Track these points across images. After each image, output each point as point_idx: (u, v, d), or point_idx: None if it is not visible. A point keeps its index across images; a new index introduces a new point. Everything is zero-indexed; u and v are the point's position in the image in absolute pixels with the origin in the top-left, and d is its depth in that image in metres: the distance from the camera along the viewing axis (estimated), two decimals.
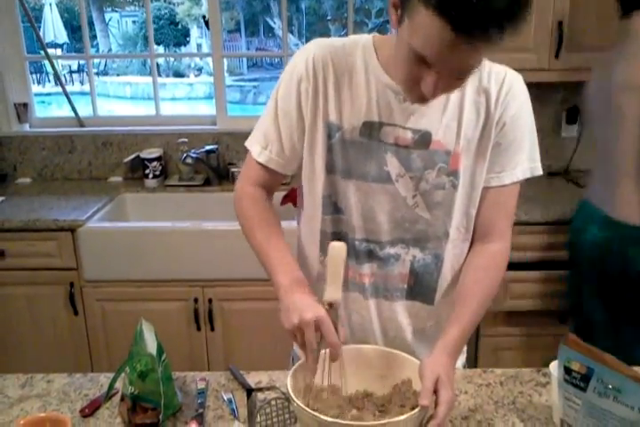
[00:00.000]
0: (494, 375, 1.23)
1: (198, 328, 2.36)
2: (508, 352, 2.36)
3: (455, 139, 1.11)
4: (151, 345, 1.07)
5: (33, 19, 2.75)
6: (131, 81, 13.03)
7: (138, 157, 2.71)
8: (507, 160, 1.13)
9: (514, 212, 1.20)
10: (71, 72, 13.39)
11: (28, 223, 2.26)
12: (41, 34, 13.36)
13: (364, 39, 1.14)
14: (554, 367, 1.05)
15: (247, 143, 1.22)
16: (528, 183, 1.21)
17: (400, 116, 1.11)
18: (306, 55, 1.13)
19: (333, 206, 1.18)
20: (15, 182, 2.80)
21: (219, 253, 2.25)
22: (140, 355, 1.04)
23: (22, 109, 2.78)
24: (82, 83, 13.31)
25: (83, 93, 6.20)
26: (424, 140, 1.11)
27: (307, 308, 0.99)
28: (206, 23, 2.63)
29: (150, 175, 2.68)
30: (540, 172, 1.17)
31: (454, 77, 0.96)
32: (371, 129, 1.11)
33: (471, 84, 1.11)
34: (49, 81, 12.87)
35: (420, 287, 1.20)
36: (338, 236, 1.19)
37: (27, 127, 2.85)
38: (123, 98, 12.27)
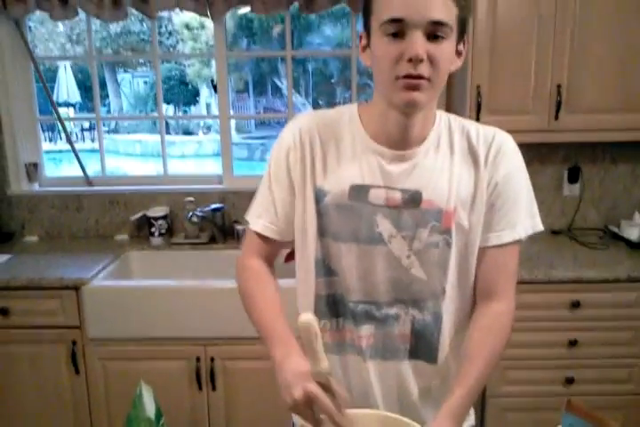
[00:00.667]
0: None
1: (200, 388, 2.32)
2: (515, 414, 2.31)
3: (447, 198, 1.13)
4: (150, 409, 1.06)
5: (45, 80, 2.83)
6: (141, 139, 13.32)
7: (144, 215, 2.74)
8: (505, 219, 1.15)
9: (516, 271, 1.20)
10: (83, 130, 13.71)
11: (32, 281, 2.27)
12: (55, 93, 13.80)
13: (349, 109, 1.20)
14: None
15: (246, 215, 1.26)
16: (531, 241, 1.22)
17: (388, 177, 1.14)
18: (293, 128, 1.20)
19: (327, 269, 1.19)
20: (23, 240, 2.83)
21: (223, 312, 2.24)
22: (139, 419, 1.03)
23: (32, 169, 2.84)
24: (93, 140, 13.60)
25: (94, 151, 6.32)
26: (414, 199, 1.13)
27: (296, 384, 0.99)
28: (214, 86, 2.71)
29: (156, 233, 2.71)
30: (540, 227, 1.18)
31: (430, 36, 1.00)
32: (359, 192, 1.14)
33: (460, 145, 1.15)
34: (61, 139, 13.16)
35: (422, 346, 1.19)
36: (332, 298, 1.20)
37: (36, 186, 2.90)
38: (132, 155, 12.50)
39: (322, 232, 1.18)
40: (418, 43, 0.99)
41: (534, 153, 2.70)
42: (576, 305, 2.20)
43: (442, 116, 1.18)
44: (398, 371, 1.20)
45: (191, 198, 2.73)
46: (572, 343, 2.23)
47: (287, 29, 2.78)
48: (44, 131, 12.97)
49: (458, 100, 2.49)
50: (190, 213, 2.67)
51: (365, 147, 1.15)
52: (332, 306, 1.21)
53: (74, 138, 13.44)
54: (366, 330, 1.19)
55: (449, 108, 2.61)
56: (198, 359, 2.29)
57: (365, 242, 1.15)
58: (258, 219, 1.23)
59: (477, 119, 2.27)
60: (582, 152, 2.71)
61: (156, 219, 2.70)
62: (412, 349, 1.19)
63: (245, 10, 2.62)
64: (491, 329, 1.15)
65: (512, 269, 1.19)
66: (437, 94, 1.09)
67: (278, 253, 1.29)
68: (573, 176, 2.73)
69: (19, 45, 2.76)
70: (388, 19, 1.00)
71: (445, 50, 1.03)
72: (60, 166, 8.91)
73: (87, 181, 2.90)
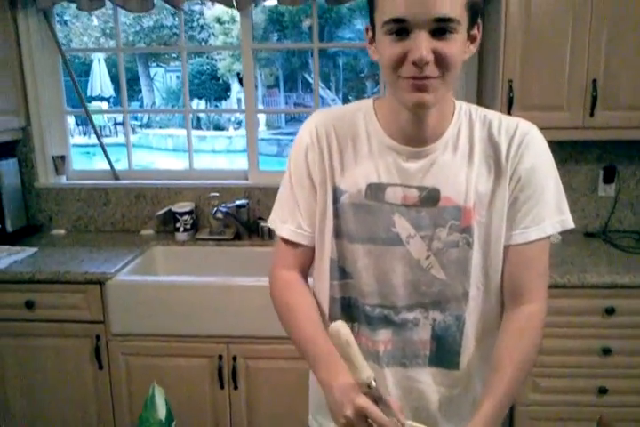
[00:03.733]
0: None
1: (222, 386, 2.30)
2: (545, 423, 2.24)
3: (465, 194, 1.08)
4: (161, 411, 1.04)
5: (74, 73, 2.83)
6: (172, 133, 13.42)
7: (169, 210, 2.73)
8: (531, 215, 1.09)
9: (546, 269, 1.14)
10: (116, 124, 13.87)
11: (57, 275, 2.27)
12: (88, 87, 13.93)
13: (365, 104, 1.16)
14: None
15: (269, 221, 1.22)
16: (564, 244, 1.16)
17: (404, 175, 1.10)
18: (309, 126, 1.16)
19: (341, 271, 1.15)
20: (50, 233, 2.85)
21: (246, 309, 2.21)
22: (150, 421, 1.00)
23: (60, 162, 2.84)
24: (126, 135, 13.71)
25: (125, 145, 6.37)
26: (432, 197, 1.09)
27: (345, 402, 0.97)
28: (240, 80, 2.68)
29: (181, 229, 2.69)
30: (571, 224, 1.12)
31: (436, 32, 0.95)
32: (376, 191, 1.10)
33: (480, 137, 1.10)
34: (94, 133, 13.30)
35: (442, 352, 1.14)
36: (347, 301, 1.16)
37: (64, 179, 2.90)
38: (164, 150, 12.60)
39: (337, 233, 1.14)
40: (422, 44, 0.94)
41: (568, 151, 2.62)
42: (610, 312, 2.11)
43: (462, 108, 1.13)
44: (417, 379, 1.15)
45: (215, 194, 2.70)
46: (606, 352, 2.14)
47: (314, 21, 2.73)
48: (78, 125, 13.18)
49: (489, 94, 2.42)
50: (215, 209, 2.65)
51: (381, 144, 1.11)
52: (347, 310, 1.17)
53: (107, 132, 13.63)
54: (383, 335, 1.14)
55: (480, 102, 2.54)
56: (220, 357, 2.27)
57: (382, 243, 1.11)
58: (283, 224, 1.19)
59: (509, 115, 2.19)
60: (618, 151, 2.62)
61: (181, 214, 2.68)
62: (432, 355, 1.14)
63: (272, 2, 2.58)
64: (522, 332, 1.10)
65: (542, 268, 1.13)
66: (451, 87, 1.04)
67: (312, 260, 1.22)
68: (609, 176, 2.64)
69: (48, 37, 2.76)
70: (390, 18, 0.95)
71: (454, 45, 0.97)
72: (93, 160, 9.01)
73: (114, 174, 2.89)
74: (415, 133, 1.09)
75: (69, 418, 2.40)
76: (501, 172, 1.08)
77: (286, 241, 1.19)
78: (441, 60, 0.96)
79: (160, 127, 14.86)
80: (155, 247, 2.69)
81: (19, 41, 2.71)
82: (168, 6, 2.53)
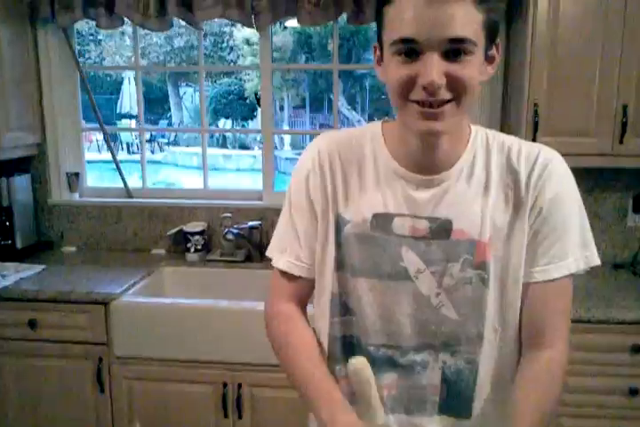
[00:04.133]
0: None
1: (225, 415, 2.21)
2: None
3: (480, 227, 0.99)
4: None
5: (91, 92, 2.81)
6: (198, 152, 13.54)
7: (181, 230, 2.67)
8: (553, 251, 0.99)
9: (568, 308, 1.04)
10: (146, 141, 14.03)
11: (61, 294, 2.21)
12: (118, 105, 14.13)
13: (373, 128, 1.07)
14: None
15: (267, 252, 1.14)
16: (589, 276, 1.06)
17: (413, 205, 1.01)
18: (312, 151, 1.08)
19: (343, 307, 1.06)
20: (61, 250, 2.80)
21: (254, 335, 2.08)
22: None
23: (74, 179, 2.81)
24: (152, 152, 13.91)
25: (152, 162, 6.37)
26: (443, 229, 0.99)
27: None
28: (257, 100, 2.64)
29: (192, 249, 2.63)
30: (597, 261, 1.01)
31: (447, 56, 0.87)
32: (382, 221, 1.01)
33: (498, 165, 1.00)
34: (122, 149, 13.50)
35: (454, 399, 1.04)
36: (348, 341, 1.06)
37: (76, 196, 2.87)
38: (189, 167, 12.69)
39: (340, 265, 1.05)
40: (434, 67, 0.86)
41: (595, 179, 2.50)
42: (637, 350, 1.98)
43: (478, 133, 1.04)
44: None
45: (228, 214, 2.64)
46: (633, 392, 2.01)
47: (334, 42, 2.68)
48: (105, 141, 13.33)
49: (513, 118, 2.33)
50: (226, 230, 2.58)
51: (389, 171, 1.03)
52: (348, 350, 1.07)
53: (134, 149, 13.79)
54: (388, 379, 1.04)
55: (504, 126, 2.45)
56: (225, 385, 2.18)
57: (388, 278, 1.01)
58: (281, 255, 1.10)
59: (534, 140, 2.10)
60: None
61: (193, 234, 2.62)
62: (442, 401, 1.04)
63: (293, 23, 2.53)
64: (537, 381, 0.99)
65: (564, 309, 1.03)
66: (466, 112, 0.95)
67: (311, 293, 1.13)
68: (639, 205, 2.51)
69: (66, 55, 2.75)
70: (398, 38, 0.88)
71: (470, 67, 0.88)
72: (114, 177, 9.09)
73: (127, 192, 2.85)
74: (426, 161, 1.00)
75: None
76: (521, 203, 0.99)
77: (284, 273, 1.11)
78: (455, 84, 0.88)
79: (187, 145, 15.02)
80: (164, 268, 2.62)
81: (38, 58, 2.70)
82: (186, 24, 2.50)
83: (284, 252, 1.10)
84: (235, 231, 2.57)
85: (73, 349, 2.25)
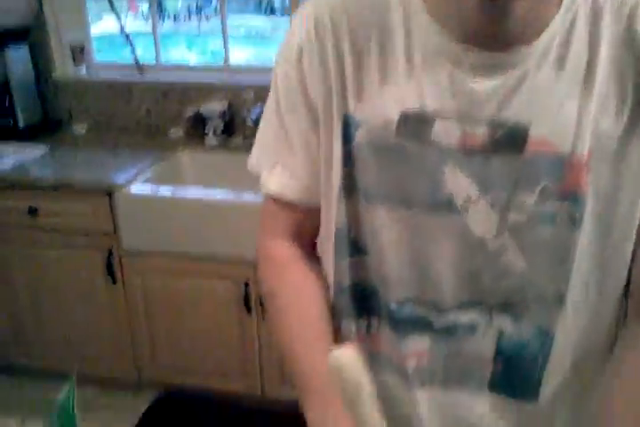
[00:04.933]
0: None
1: (249, 311, 2.02)
2: None
3: (574, 136, 0.64)
4: None
5: None
6: (244, 22, 12.85)
7: (198, 111, 2.36)
8: None
9: None
10: (189, 12, 13.39)
11: (61, 181, 1.98)
12: None
13: None
14: None
15: (249, 166, 0.79)
16: None
17: (467, 100, 0.65)
18: (305, 16, 0.71)
19: (353, 245, 0.74)
20: (71, 130, 2.53)
21: None
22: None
23: (79, 53, 2.49)
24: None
25: (197, 35, 5.90)
26: (514, 138, 0.65)
27: None
28: None
29: (210, 133, 2.33)
30: None
31: None
32: (416, 125, 0.66)
33: (612, 40, 0.63)
34: (168, 18, 12.79)
35: (513, 375, 0.74)
36: (360, 291, 0.75)
37: (83, 70, 2.55)
38: (236, 38, 12.10)
39: (349, 188, 0.72)
40: None
41: None
42: None
43: None
44: (469, 408, 0.75)
45: (250, 93, 2.30)
46: None
47: None
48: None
49: None
50: (248, 111, 2.26)
51: (429, 47, 0.65)
52: (361, 305, 0.77)
53: (181, 19, 13.07)
54: (416, 345, 0.74)
55: None
56: (247, 284, 1.97)
57: (422, 208, 0.68)
58: (269, 173, 0.77)
59: None
60: None
61: (211, 116, 2.31)
62: (495, 376, 0.74)
63: None
64: None
65: None
66: None
67: (316, 225, 0.80)
68: None
69: None
70: None
71: None
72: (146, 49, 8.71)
73: (138, 67, 2.51)
74: (490, 29, 0.63)
75: (86, 329, 2.20)
76: None
77: (276, 199, 0.78)
78: None
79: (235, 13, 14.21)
80: (181, 152, 2.35)
81: None
82: None
83: (273, 168, 0.77)
84: (259, 111, 2.25)
85: (79, 239, 2.06)
